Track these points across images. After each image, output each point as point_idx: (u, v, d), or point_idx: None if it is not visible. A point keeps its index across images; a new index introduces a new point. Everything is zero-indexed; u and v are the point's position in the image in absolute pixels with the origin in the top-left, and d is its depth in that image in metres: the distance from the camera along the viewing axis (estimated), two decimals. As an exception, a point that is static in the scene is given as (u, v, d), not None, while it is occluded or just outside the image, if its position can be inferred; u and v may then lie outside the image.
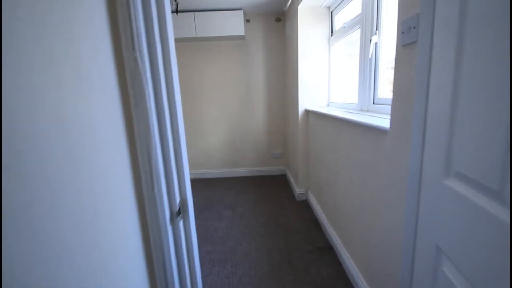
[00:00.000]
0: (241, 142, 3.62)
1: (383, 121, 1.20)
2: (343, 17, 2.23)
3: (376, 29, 1.56)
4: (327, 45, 2.48)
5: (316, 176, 2.40)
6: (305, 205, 2.65)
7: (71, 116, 0.44)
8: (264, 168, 3.70)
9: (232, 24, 3.02)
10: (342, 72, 2.40)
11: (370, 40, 1.60)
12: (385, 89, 1.59)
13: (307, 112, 2.58)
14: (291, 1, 2.67)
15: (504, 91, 0.47)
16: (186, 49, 3.36)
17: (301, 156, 2.66)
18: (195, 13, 2.99)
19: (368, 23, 1.62)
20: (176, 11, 2.07)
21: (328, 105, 2.58)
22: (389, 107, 1.05)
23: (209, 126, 3.59)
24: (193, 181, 3.57)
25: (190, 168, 3.64)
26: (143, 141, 0.68)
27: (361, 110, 1.78)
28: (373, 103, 1.66)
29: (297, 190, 2.78)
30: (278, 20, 3.23)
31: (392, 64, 1.01)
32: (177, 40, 3.19)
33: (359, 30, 1.77)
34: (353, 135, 1.51)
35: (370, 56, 1.62)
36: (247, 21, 3.23)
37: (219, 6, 2.94)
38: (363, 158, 1.37)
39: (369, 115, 1.50)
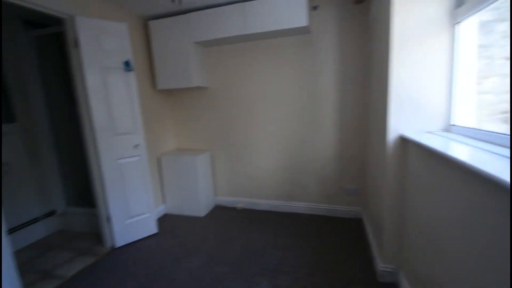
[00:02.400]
0: (301, 169, 2.74)
1: None
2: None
3: None
4: (448, 25, 1.39)
5: (422, 257, 1.34)
6: (393, 294, 1.58)
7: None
8: (330, 207, 2.70)
9: (292, 13, 2.21)
10: (476, 73, 1.29)
11: None
12: None
13: (403, 141, 1.53)
14: (382, -36, 1.68)
15: None
16: (234, 51, 2.73)
17: (389, 210, 1.61)
18: (246, 3, 2.32)
19: None
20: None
21: (447, 129, 1.47)
22: None
23: (260, 147, 2.85)
24: (239, 212, 2.88)
25: (235, 194, 2.98)
26: None
27: None
28: None
29: (380, 264, 1.73)
30: (359, 1, 2.24)
31: None
32: (223, 41, 2.59)
33: None
34: None
35: None
36: (314, 8, 2.36)
37: (274, -10, 2.19)
38: None
39: None
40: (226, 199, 3.11)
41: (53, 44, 2.67)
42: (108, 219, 2.24)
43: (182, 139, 3.18)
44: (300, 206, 2.81)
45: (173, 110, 3.13)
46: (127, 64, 2.22)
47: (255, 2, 2.28)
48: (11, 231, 2.29)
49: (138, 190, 2.37)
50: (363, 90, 2.40)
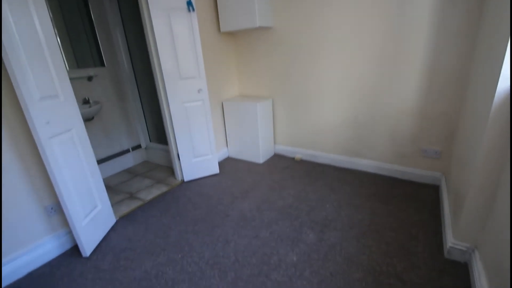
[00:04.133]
0: (371, 123, 2.41)
1: None
2: None
3: None
4: None
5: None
6: (459, 274, 1.36)
7: None
8: (401, 168, 2.38)
9: None
10: None
11: None
12: None
13: (519, 92, 1.09)
14: None
15: None
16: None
17: (481, 178, 1.28)
18: None
19: None
20: None
21: None
22: None
23: (326, 96, 2.59)
24: (297, 162, 2.84)
25: (294, 144, 2.91)
26: None
27: None
28: None
29: (451, 239, 1.47)
30: None
31: None
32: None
33: None
34: None
35: None
36: None
37: None
38: None
39: None
40: (285, 148, 3.08)
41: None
42: (178, 156, 2.53)
43: (245, 85, 3.14)
44: (364, 163, 2.56)
45: (237, 55, 3.04)
46: (189, 3, 2.17)
47: None
48: (108, 158, 2.85)
49: (202, 133, 2.54)
50: (469, 28, 1.77)
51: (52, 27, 1.53)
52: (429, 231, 1.69)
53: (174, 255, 1.65)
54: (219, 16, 2.64)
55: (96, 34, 2.63)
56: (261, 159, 2.92)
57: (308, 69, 2.59)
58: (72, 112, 1.67)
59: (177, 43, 2.22)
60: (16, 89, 1.32)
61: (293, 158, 3.00)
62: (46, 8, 1.50)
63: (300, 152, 2.96)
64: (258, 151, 2.89)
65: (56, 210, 1.71)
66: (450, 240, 1.47)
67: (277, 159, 3.02)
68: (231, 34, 2.95)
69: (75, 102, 1.70)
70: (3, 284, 1.50)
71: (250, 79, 3.06)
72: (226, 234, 1.81)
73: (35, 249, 1.63)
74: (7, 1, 1.27)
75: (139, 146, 3.18)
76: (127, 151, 3.06)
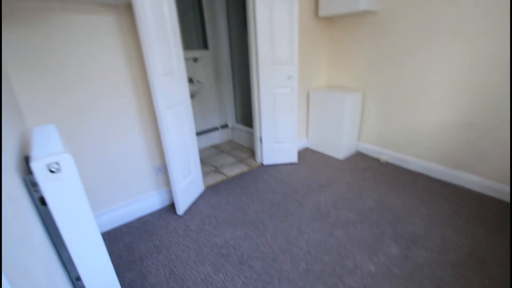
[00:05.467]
0: (486, 130, 1.99)
1: None
2: None
3: None
4: None
5: None
6: None
7: None
8: (525, 195, 1.91)
9: None
10: None
11: None
12: None
13: None
14: None
15: None
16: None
17: None
18: None
19: None
20: None
21: None
22: None
23: (428, 93, 2.24)
24: (382, 164, 2.61)
25: (381, 144, 2.67)
26: None
27: None
28: None
29: None
30: None
31: None
32: None
33: None
34: None
35: None
36: None
37: None
38: None
39: None
40: (369, 147, 2.85)
41: (236, -24, 2.94)
42: (261, 139, 2.64)
43: (335, 74, 2.99)
44: (470, 178, 2.15)
45: (330, 42, 2.89)
46: (293, -10, 2.15)
47: None
48: (201, 133, 3.20)
49: (285, 120, 2.57)
50: None
51: (175, 13, 1.76)
52: (558, 281, 1.34)
53: (250, 232, 1.78)
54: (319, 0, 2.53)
55: (204, 20, 2.90)
56: (341, 155, 2.79)
57: (412, 59, 2.27)
58: (183, 88, 1.92)
59: (275, 28, 2.25)
60: (146, 66, 1.58)
61: (377, 159, 2.76)
62: (174, -3, 1.71)
63: (386, 154, 2.70)
64: (340, 146, 2.76)
65: (162, 171, 2.04)
66: None
67: (359, 157, 2.83)
68: (328, 19, 2.80)
69: (186, 80, 1.94)
70: (123, 221, 1.92)
71: (341, 68, 2.88)
72: (300, 224, 1.84)
73: (145, 199, 2.00)
74: (149, -8, 1.50)
75: (226, 126, 3.45)
76: (216, 128, 3.37)
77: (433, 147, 2.34)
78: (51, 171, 0.74)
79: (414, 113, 2.39)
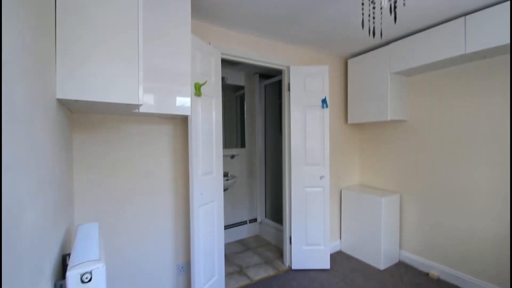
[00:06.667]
0: None
1: None
2: None
3: None
4: None
5: None
6: None
7: None
8: None
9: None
10: None
11: None
12: None
13: None
14: None
15: None
16: (443, 78, 2.20)
17: None
18: (466, 17, 1.83)
19: None
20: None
21: None
22: None
23: (474, 197, 2.06)
24: (433, 281, 2.20)
25: (428, 256, 2.34)
26: None
27: None
28: None
29: None
30: None
31: None
32: (427, 67, 2.19)
33: None
34: None
35: None
36: None
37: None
38: None
39: None
40: (414, 258, 2.50)
41: (275, 89, 3.45)
42: (290, 239, 2.50)
43: (367, 175, 2.96)
44: (557, 317, 1.70)
45: (362, 145, 3.00)
46: (323, 101, 2.42)
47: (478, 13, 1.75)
48: (228, 227, 3.14)
49: (317, 221, 2.46)
50: None
51: (221, 119, 2.03)
52: None
53: None
54: (348, 110, 2.78)
55: (244, 121, 3.28)
56: (382, 264, 2.46)
57: (450, 163, 2.21)
58: (218, 186, 2.01)
59: (307, 133, 2.44)
60: (190, 169, 1.73)
61: (426, 274, 2.37)
62: (221, 104, 2.01)
63: (437, 268, 2.32)
64: (379, 254, 2.46)
65: (185, 270, 1.94)
66: None
67: (403, 269, 2.46)
68: (359, 126, 2.99)
69: (222, 178, 2.05)
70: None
71: (373, 169, 2.87)
72: None
73: (161, 302, 1.85)
74: (200, 100, 1.79)
75: (255, 220, 3.38)
76: (245, 222, 3.30)
77: (490, 262, 1.99)
78: (82, 282, 0.76)
79: (461, 221, 2.16)
